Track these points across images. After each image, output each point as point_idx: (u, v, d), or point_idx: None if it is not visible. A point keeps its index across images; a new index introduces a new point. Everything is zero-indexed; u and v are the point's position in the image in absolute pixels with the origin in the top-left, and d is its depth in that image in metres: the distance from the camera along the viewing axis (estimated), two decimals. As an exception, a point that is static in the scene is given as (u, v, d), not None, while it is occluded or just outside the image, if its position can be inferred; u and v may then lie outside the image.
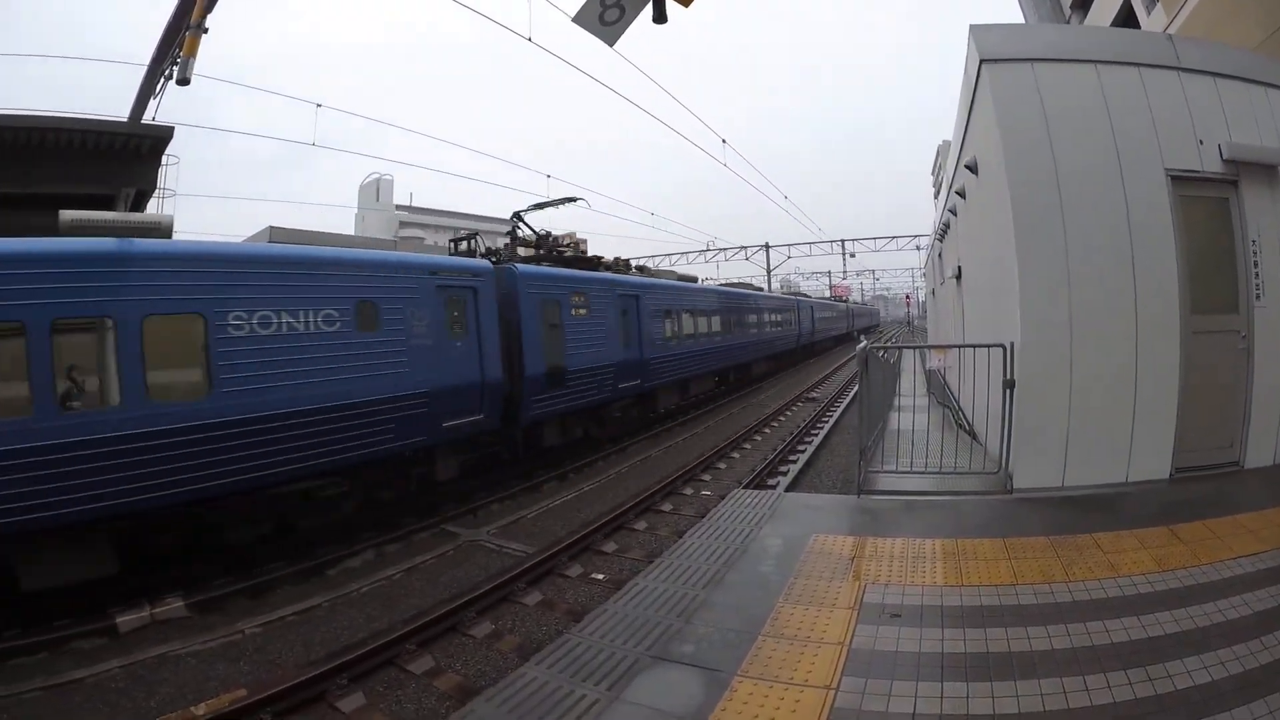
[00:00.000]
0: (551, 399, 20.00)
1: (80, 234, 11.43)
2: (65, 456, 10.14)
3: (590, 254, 28.96)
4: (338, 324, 13.83)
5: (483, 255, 21.50)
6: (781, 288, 77.14)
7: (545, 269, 22.26)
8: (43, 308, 10.28)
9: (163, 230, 12.53)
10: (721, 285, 45.12)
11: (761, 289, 61.09)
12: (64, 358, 10.58)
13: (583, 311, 21.88)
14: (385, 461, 15.00)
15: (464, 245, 23.04)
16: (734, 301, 39.25)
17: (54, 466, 10.02)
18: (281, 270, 13.39)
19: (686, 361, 29.77)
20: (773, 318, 47.60)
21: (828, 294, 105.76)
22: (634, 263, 30.98)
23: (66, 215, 11.74)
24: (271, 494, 13.00)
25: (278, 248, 14.74)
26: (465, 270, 17.68)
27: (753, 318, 42.36)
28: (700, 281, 41.64)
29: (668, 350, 27.66)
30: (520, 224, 25.76)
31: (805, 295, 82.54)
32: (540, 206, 26.63)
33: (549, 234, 27.54)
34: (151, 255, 11.72)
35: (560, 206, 27.37)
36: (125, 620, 10.60)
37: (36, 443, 9.94)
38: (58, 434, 10.12)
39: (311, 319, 13.42)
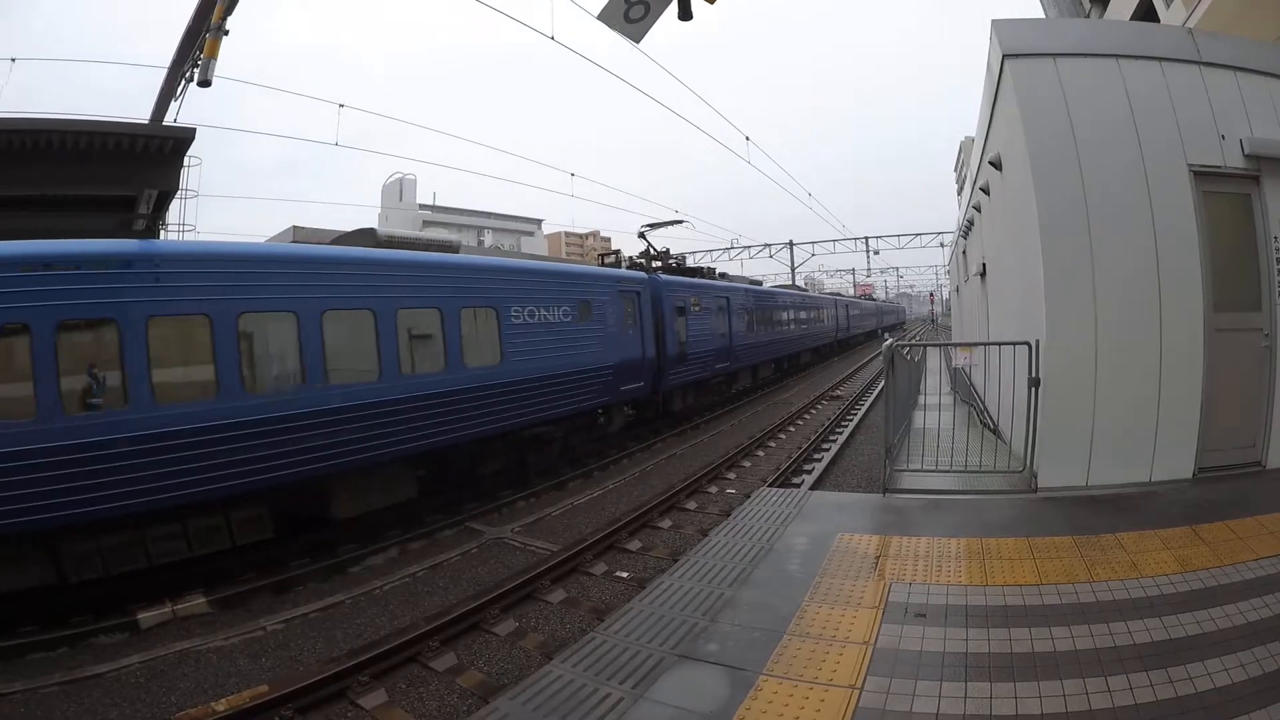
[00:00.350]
0: (679, 374, 26.57)
1: (392, 246, 16.30)
2: (414, 407, 14.58)
3: (694, 266, 37.96)
4: (570, 316, 19.71)
5: (625, 266, 29.41)
6: (806, 285, 77.87)
7: (676, 278, 28.71)
8: (390, 300, 14.59)
9: (453, 247, 18.31)
10: (777, 287, 52.08)
11: (807, 290, 70.67)
12: (409, 339, 14.92)
13: (696, 309, 28.52)
14: (583, 414, 20.84)
15: (610, 259, 31.16)
16: (790, 300, 46.96)
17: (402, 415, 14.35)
18: (540, 277, 19.55)
19: (758, 349, 37.32)
20: (817, 314, 55.61)
21: (851, 291, 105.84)
22: (686, 263, 36.93)
23: (382, 231, 17.06)
24: (516, 437, 17.98)
25: (540, 264, 22.90)
26: (634, 279, 24.27)
27: (803, 314, 49.76)
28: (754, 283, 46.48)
29: (745, 340, 34.56)
30: (645, 239, 33.94)
31: (840, 295, 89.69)
32: (655, 226, 34.57)
33: (667, 250, 34.89)
34: (461, 266, 17.12)
35: (671, 225, 37.16)
36: (146, 616, 10.67)
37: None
38: (407, 388, 14.55)
39: (556, 312, 19.12)
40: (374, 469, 14.23)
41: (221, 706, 8.08)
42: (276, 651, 9.92)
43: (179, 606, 10.98)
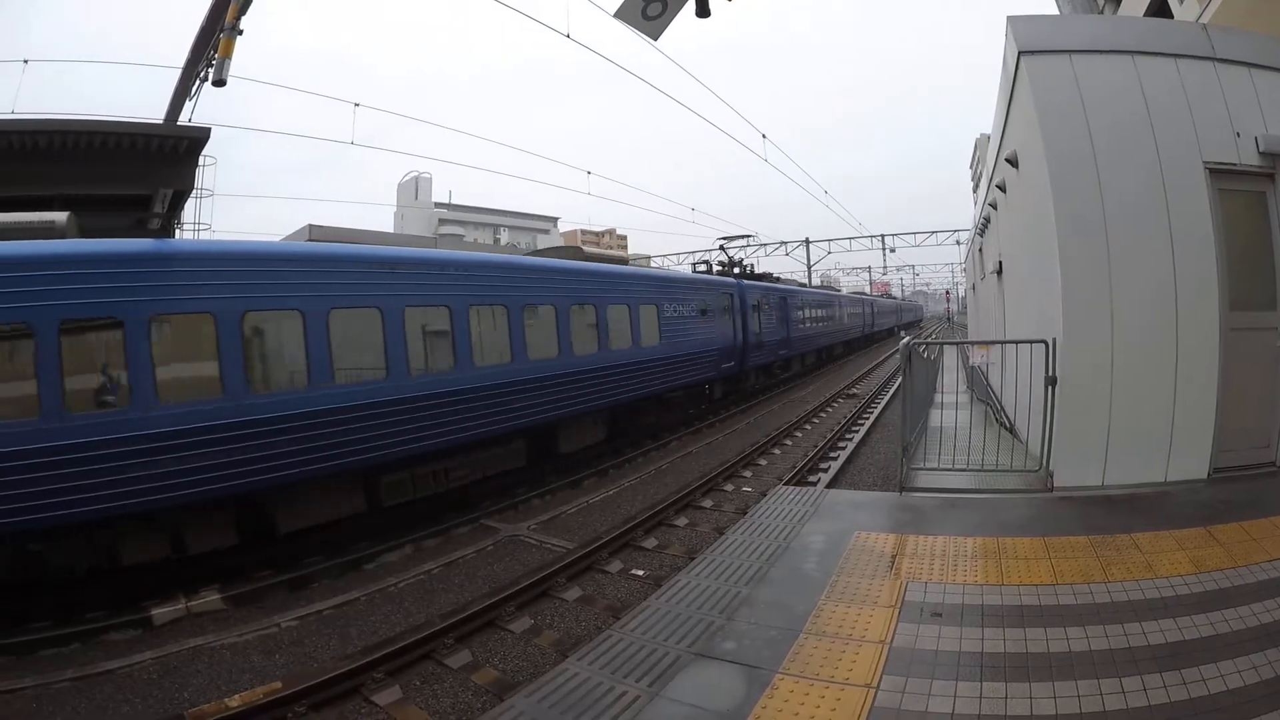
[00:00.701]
0: (755, 357, 34.21)
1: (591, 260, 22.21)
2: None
3: (761, 271, 45.77)
4: (696, 311, 27.22)
5: (716, 272, 38.08)
6: (822, 283, 79.34)
7: (753, 282, 36.53)
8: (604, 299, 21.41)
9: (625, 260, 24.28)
10: (818, 288, 62.53)
11: (839, 290, 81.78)
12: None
13: (766, 307, 36.07)
14: (698, 385, 28.43)
15: (701, 268, 42.63)
16: (831, 300, 57.42)
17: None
18: (678, 282, 27.55)
19: (808, 340, 45.74)
20: (850, 311, 65.14)
21: (868, 289, 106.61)
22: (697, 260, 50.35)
23: (589, 249, 23.12)
24: (662, 398, 24.92)
25: (677, 273, 32.82)
26: (730, 284, 32.21)
27: (838, 312, 58.90)
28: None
29: (799, 332, 42.67)
30: (724, 249, 44.83)
31: (865, 293, 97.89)
32: (730, 239, 45.90)
33: (743, 259, 47.86)
34: (638, 275, 24.83)
35: (743, 241, 50.16)
36: (160, 613, 10.73)
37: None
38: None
39: (689, 308, 26.66)
40: (596, 414, 21.32)
41: (235, 703, 8.10)
42: (290, 648, 9.96)
43: (193, 603, 11.06)
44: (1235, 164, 9.42)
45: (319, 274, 13.37)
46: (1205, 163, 9.34)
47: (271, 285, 12.63)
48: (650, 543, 13.66)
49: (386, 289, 14.39)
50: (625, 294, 22.46)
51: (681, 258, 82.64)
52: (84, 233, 12.09)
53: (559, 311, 18.86)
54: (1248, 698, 4.64)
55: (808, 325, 45.35)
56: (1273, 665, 4.95)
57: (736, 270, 39.35)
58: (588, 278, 21.06)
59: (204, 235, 21.06)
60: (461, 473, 16.43)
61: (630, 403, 22.49)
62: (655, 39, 9.35)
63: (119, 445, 10.40)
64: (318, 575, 12.40)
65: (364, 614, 11.02)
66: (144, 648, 9.81)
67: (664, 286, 25.50)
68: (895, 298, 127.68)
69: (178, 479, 10.94)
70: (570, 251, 24.78)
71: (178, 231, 21.03)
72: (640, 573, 12.18)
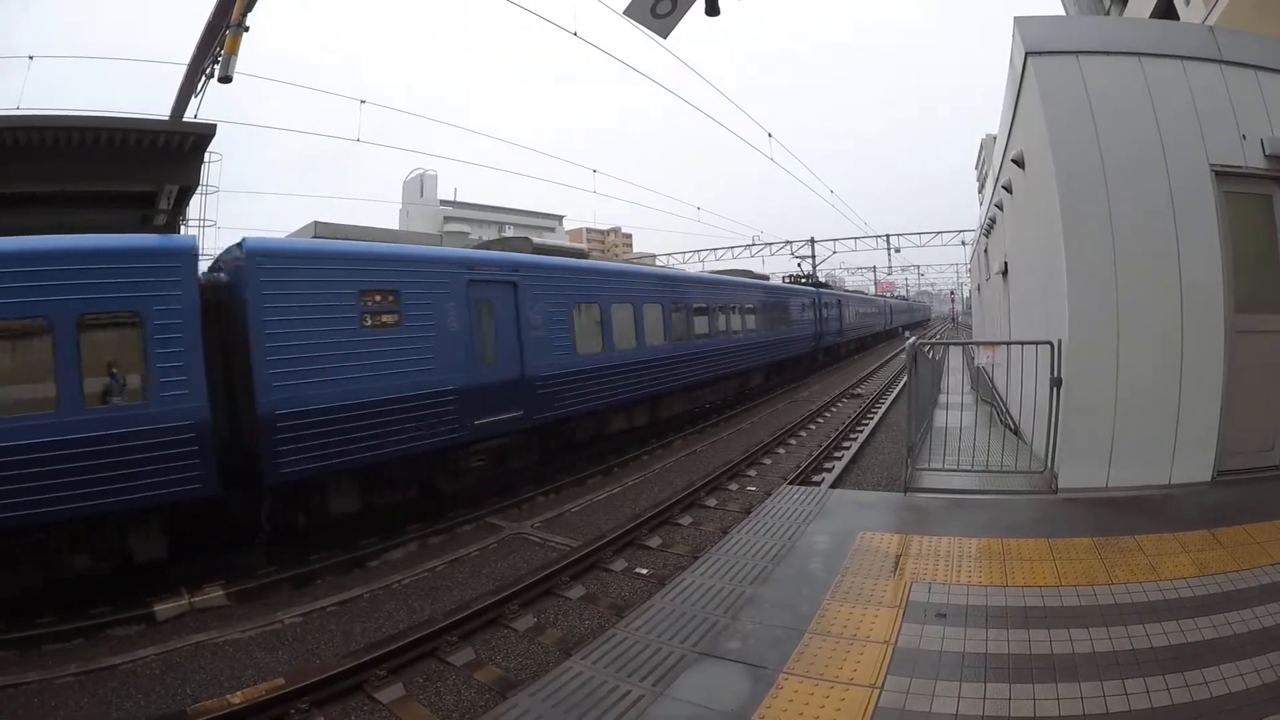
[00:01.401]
0: (825, 340, 49.88)
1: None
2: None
3: (823, 280, 66.28)
4: (793, 308, 42.01)
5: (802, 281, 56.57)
6: (827, 283, 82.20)
7: (824, 290, 54.69)
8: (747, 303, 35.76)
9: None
10: (849, 291, 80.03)
11: (865, 293, 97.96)
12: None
13: (830, 306, 52.04)
14: (785, 363, 40.50)
15: (788, 279, 57.86)
16: (869, 301, 79.87)
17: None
18: (788, 291, 43.82)
19: (852, 330, 62.91)
20: (879, 310, 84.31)
21: (871, 289, 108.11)
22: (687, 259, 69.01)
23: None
24: (778, 365, 39.33)
25: (789, 286, 49.16)
26: (813, 292, 48.65)
27: (873, 310, 78.81)
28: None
29: (848, 325, 60.50)
30: (800, 265, 68.69)
31: (886, 296, 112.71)
32: (801, 257, 70.43)
33: (813, 271, 68.72)
34: (776, 287, 43.47)
35: (803, 251, 73.33)
36: (164, 609, 10.76)
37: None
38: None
39: (794, 306, 42.58)
40: (753, 373, 35.27)
41: (237, 699, 8.13)
42: (293, 645, 9.99)
43: (196, 599, 11.08)
44: (1241, 166, 9.39)
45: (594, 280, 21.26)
46: (1211, 165, 9.31)
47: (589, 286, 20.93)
48: (654, 541, 13.67)
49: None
50: (785, 297, 41.66)
51: (686, 257, 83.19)
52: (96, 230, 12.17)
53: (742, 310, 33.41)
54: (1249, 700, 4.64)
55: (854, 320, 64.42)
56: (1275, 668, 4.94)
57: (804, 281, 58.66)
58: (777, 292, 41.10)
59: (209, 232, 21.13)
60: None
61: (779, 363, 39.36)
62: (665, 37, 9.35)
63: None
64: (321, 572, 12.43)
65: (367, 611, 11.03)
66: (147, 643, 9.84)
67: (785, 294, 42.42)
68: (906, 299, 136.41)
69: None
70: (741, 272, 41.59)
71: (183, 228, 21.05)
72: (644, 571, 12.19)
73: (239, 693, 8.34)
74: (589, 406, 19.96)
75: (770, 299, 37.78)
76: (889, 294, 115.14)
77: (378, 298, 13.54)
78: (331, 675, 8.52)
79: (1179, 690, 4.79)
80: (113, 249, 11.04)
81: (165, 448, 10.90)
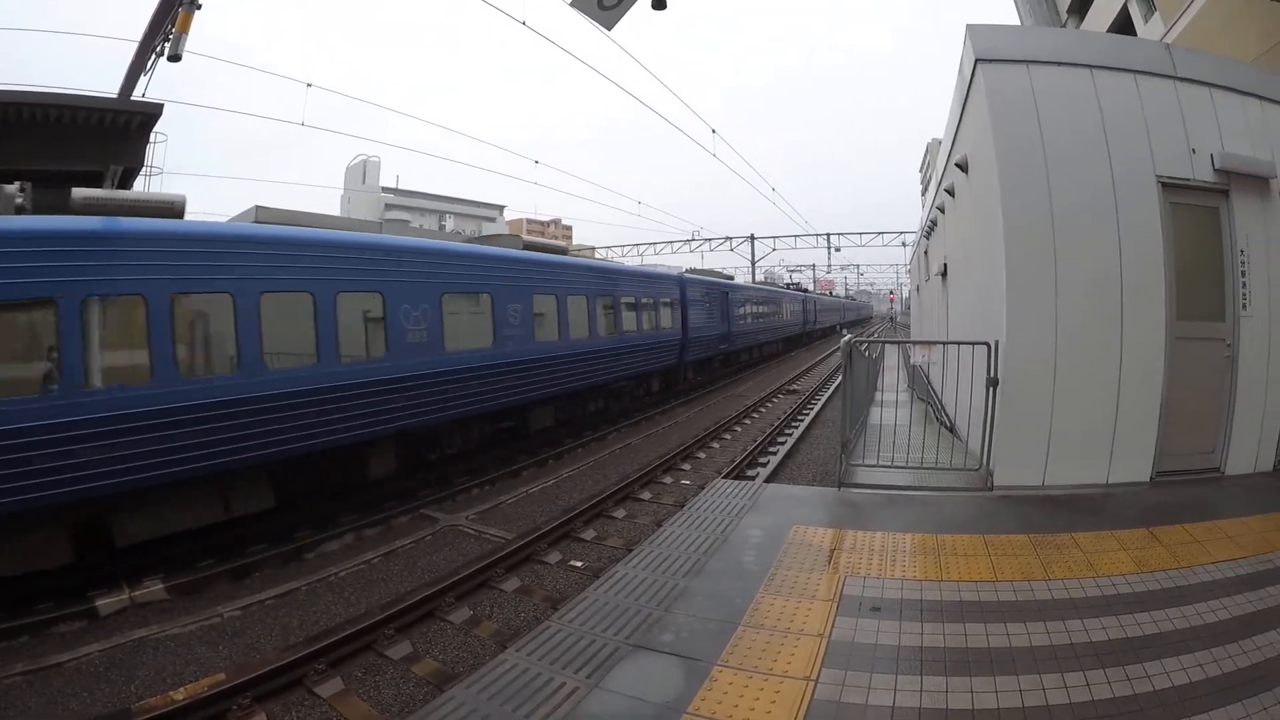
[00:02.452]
0: (809, 326, 72.62)
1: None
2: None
3: (805, 287, 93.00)
4: (790, 306, 63.15)
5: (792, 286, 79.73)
6: (766, 280, 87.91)
7: (810, 293, 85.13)
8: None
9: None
10: (825, 296, 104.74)
11: (828, 294, 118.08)
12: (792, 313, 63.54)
13: (815, 305, 78.43)
14: (787, 339, 62.99)
15: (789, 284, 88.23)
16: (834, 303, 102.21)
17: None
18: (789, 295, 66.70)
19: (822, 321, 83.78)
20: (836, 309, 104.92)
21: (811, 288, 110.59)
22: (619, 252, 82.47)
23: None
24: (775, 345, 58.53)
25: (790, 291, 71.90)
26: (802, 294, 72.94)
27: (831, 308, 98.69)
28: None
29: (820, 318, 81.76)
30: (790, 278, 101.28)
31: (847, 298, 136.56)
32: (793, 269, 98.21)
33: (802, 280, 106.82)
34: (793, 295, 70.10)
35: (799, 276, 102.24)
36: (104, 603, 10.55)
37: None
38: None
39: (791, 304, 64.11)
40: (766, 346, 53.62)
41: (180, 695, 7.99)
42: (234, 639, 9.84)
43: (137, 593, 10.89)
44: (1189, 179, 9.62)
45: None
46: (1158, 176, 9.53)
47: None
48: (589, 534, 13.67)
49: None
50: (804, 301, 68.50)
51: (625, 250, 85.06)
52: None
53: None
54: (1193, 694, 4.70)
55: (823, 314, 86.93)
56: (1219, 664, 5.03)
57: (796, 283, 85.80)
58: (788, 295, 64.03)
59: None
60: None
61: (807, 332, 64.96)
62: (609, 29, 9.31)
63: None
64: (259, 564, 12.28)
65: (305, 603, 10.93)
66: (91, 640, 9.67)
67: (787, 297, 60.96)
68: (856, 299, 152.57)
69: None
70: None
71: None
72: (579, 564, 12.18)
73: (182, 689, 8.22)
74: None
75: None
76: (826, 291, 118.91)
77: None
78: (271, 670, 8.41)
79: (1120, 684, 4.84)
80: None
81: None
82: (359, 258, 14.78)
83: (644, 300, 27.90)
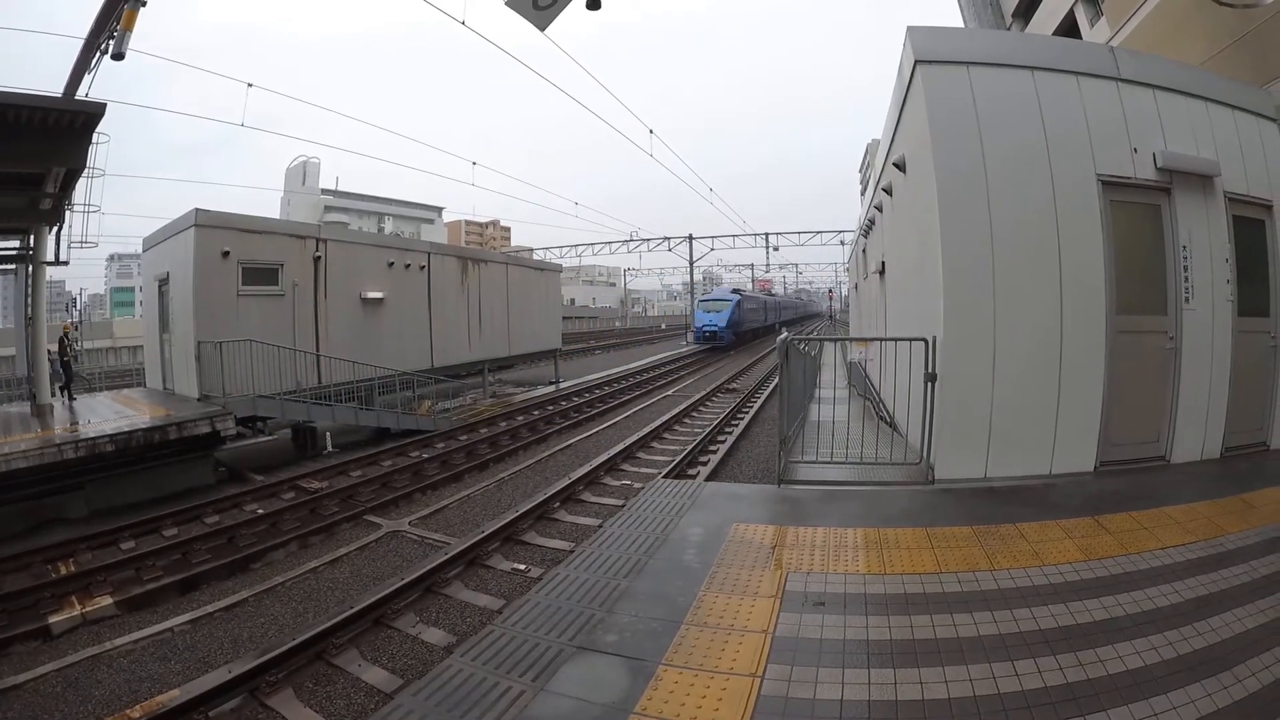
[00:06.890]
0: (745, 328, 74.06)
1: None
2: None
3: (774, 291, 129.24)
4: (775, 306, 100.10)
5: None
6: (704, 280, 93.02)
7: (777, 296, 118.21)
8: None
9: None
10: (785, 296, 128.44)
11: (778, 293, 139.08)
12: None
13: (781, 305, 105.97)
14: (767, 327, 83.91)
15: (762, 286, 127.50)
16: (791, 302, 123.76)
17: None
18: (777, 299, 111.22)
19: (778, 316, 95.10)
20: (794, 306, 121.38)
21: (750, 286, 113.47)
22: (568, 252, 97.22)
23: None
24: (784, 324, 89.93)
25: (773, 296, 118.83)
26: (769, 297, 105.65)
27: (790, 306, 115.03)
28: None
29: (781, 314, 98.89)
30: (760, 283, 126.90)
31: (800, 297, 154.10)
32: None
33: (771, 282, 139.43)
34: (783, 301, 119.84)
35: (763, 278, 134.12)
36: (57, 621, 10.46)
37: None
38: None
39: (772, 306, 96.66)
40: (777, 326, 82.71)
41: (136, 714, 7.94)
42: (185, 653, 9.74)
43: (88, 609, 10.81)
44: (1130, 178, 9.81)
45: None
46: (1099, 175, 9.69)
47: None
48: (532, 536, 13.68)
49: None
50: (795, 304, 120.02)
51: (563, 251, 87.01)
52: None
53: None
54: (1149, 676, 4.74)
55: (781, 312, 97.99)
56: (1174, 646, 5.09)
57: (769, 287, 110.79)
58: (785, 300, 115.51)
59: (93, 218, 20.51)
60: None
61: (786, 321, 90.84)
62: (542, 29, 9.32)
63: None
64: (206, 575, 12.14)
65: (253, 614, 10.87)
66: (46, 659, 9.54)
67: (767, 301, 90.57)
68: (803, 298, 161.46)
69: None
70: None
71: (67, 213, 20.40)
72: (522, 566, 12.20)
73: (137, 707, 8.15)
74: None
75: (799, 306, 77.58)
76: (757, 289, 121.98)
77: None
78: (222, 684, 8.32)
79: (1073, 669, 4.87)
80: None
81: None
82: (763, 302, 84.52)
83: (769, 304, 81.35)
